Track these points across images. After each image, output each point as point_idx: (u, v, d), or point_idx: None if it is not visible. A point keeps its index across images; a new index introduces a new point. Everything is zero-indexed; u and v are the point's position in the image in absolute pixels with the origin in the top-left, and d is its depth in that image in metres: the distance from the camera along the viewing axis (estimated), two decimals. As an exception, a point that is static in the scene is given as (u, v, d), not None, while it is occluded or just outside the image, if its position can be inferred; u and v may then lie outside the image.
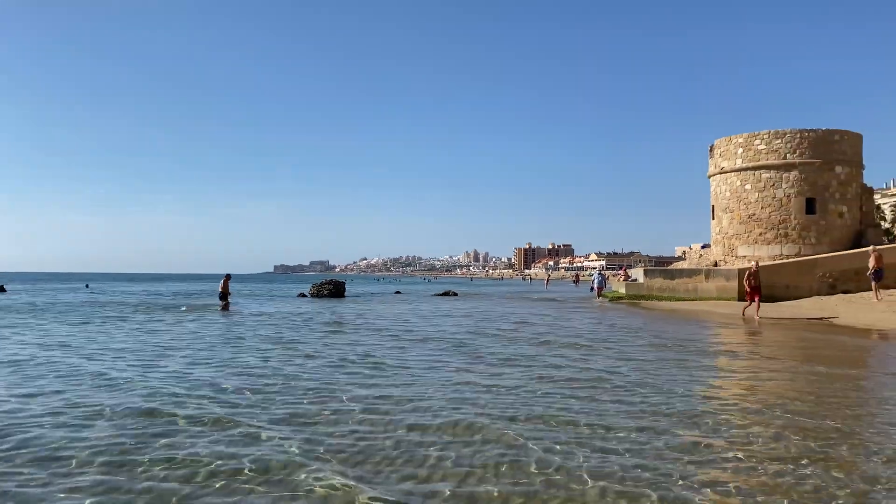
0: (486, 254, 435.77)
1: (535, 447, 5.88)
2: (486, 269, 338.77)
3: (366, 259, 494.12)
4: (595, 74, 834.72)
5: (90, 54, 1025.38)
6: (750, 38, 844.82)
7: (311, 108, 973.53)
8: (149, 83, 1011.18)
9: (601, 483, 4.98)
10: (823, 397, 8.29)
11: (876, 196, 47.18)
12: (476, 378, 9.73)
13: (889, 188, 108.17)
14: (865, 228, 33.18)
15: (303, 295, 42.57)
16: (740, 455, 5.73)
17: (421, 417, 7.14)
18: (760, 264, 30.91)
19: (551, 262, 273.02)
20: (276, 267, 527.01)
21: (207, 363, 11.38)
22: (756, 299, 22.22)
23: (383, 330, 18.06)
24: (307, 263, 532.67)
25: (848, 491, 4.82)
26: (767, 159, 32.80)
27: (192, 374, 10.19)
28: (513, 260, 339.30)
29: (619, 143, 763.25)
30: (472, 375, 10.00)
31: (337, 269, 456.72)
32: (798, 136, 32.32)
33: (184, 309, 28.37)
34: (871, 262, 25.35)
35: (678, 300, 29.71)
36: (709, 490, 4.84)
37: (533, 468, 5.33)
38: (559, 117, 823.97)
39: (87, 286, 71.60)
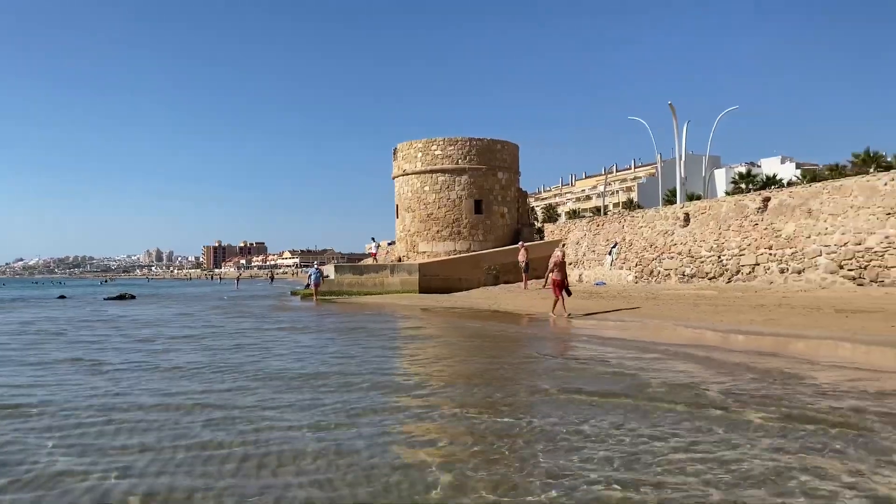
0: (171, 252, 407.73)
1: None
2: (172, 268, 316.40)
3: (22, 260, 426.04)
4: (290, 73, 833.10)
5: None
6: (440, 44, 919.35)
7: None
8: None
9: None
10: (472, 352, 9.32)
11: (530, 200, 54.74)
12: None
13: (540, 193, 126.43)
14: (522, 227, 38.31)
15: (-71, 304, 34.93)
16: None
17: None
18: (437, 259, 33.84)
19: (243, 261, 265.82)
20: None
21: None
22: (560, 295, 16.95)
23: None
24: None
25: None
26: (443, 164, 35.99)
27: None
28: (201, 259, 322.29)
29: (314, 143, 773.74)
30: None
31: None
32: (468, 143, 36.04)
33: None
34: (521, 256, 29.50)
35: (367, 294, 30.97)
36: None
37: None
38: (252, 114, 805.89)
39: None
